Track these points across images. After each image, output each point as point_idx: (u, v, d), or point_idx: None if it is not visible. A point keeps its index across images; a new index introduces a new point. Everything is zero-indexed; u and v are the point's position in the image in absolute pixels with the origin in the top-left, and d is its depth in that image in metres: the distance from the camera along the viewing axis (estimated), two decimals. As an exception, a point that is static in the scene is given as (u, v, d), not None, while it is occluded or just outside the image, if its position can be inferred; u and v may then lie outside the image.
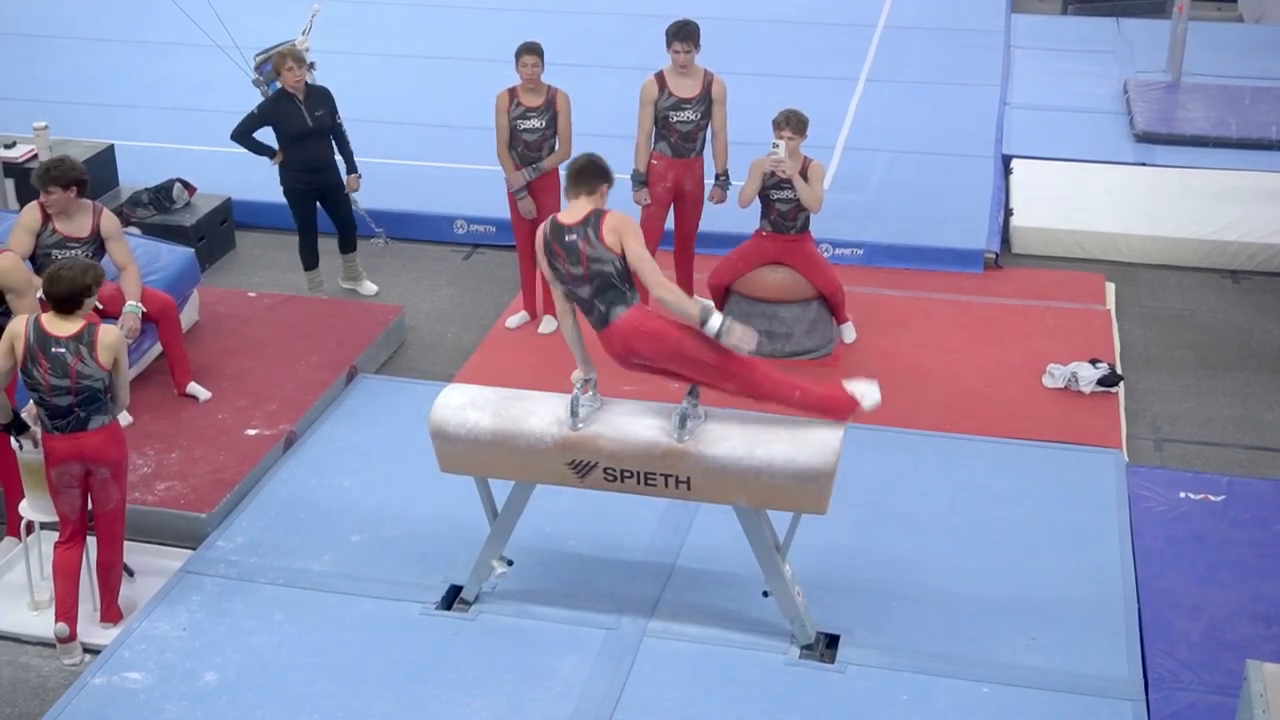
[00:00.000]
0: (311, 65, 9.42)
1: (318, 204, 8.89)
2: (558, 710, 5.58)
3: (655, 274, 5.51)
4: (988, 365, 8.30)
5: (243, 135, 8.69)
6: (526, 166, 8.35)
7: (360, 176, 8.94)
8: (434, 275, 9.70)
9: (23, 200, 9.80)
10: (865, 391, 5.60)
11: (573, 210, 5.61)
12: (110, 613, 6.19)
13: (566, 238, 5.53)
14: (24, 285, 6.52)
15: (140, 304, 7.41)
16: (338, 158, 8.88)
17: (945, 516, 6.80)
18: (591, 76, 12.15)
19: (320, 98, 8.70)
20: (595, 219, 5.51)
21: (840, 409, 5.61)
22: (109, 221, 7.45)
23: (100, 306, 7.44)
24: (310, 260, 9.06)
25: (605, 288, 5.50)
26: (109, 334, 5.83)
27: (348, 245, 9.18)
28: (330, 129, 8.72)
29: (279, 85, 8.68)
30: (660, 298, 5.50)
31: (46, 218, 7.32)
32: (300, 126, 8.59)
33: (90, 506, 6.02)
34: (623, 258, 5.47)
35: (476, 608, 6.13)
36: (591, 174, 5.63)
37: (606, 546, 6.53)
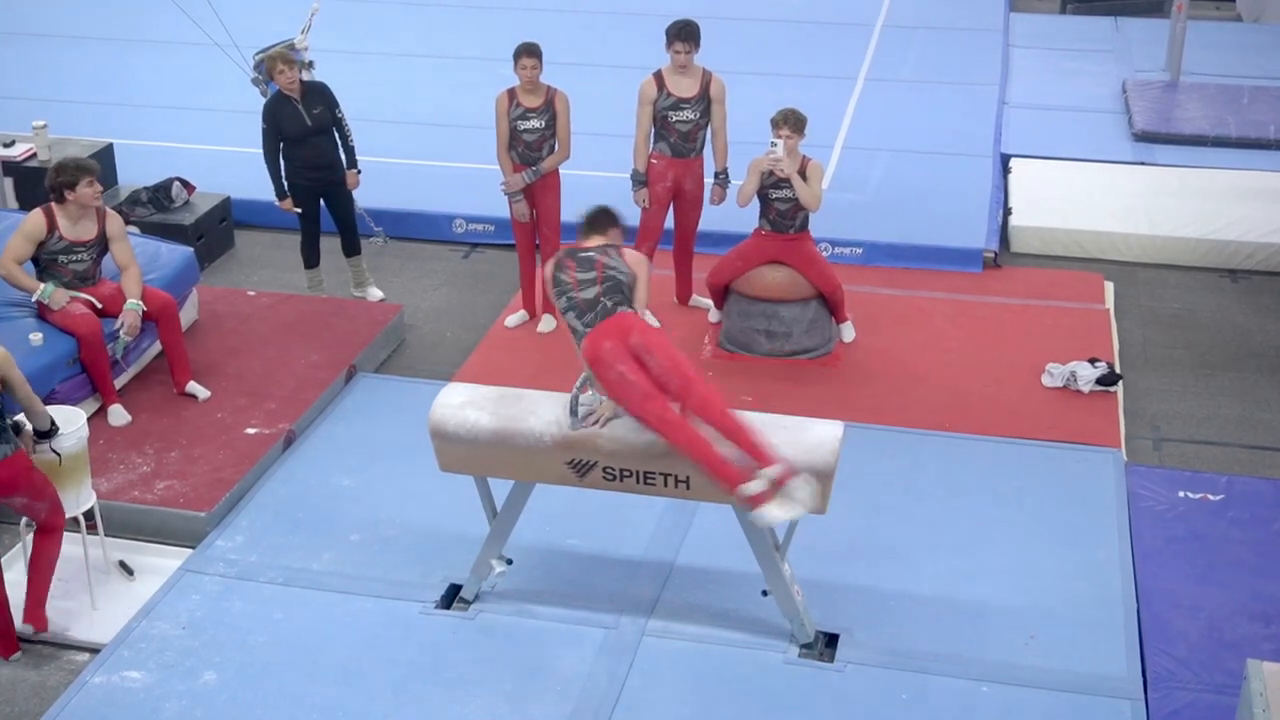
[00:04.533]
0: (310, 64, 9.41)
1: (321, 202, 8.86)
2: (557, 709, 5.58)
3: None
4: (987, 364, 8.30)
5: (269, 159, 8.61)
6: (526, 167, 8.35)
7: (359, 173, 8.89)
8: (433, 274, 9.70)
9: (22, 199, 9.81)
10: (791, 486, 5.26)
11: (588, 241, 5.89)
12: (33, 614, 5.99)
13: (581, 254, 5.78)
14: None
15: (140, 302, 7.43)
16: (342, 154, 8.85)
17: (944, 516, 6.80)
18: (591, 76, 12.14)
19: (318, 95, 8.63)
20: (614, 247, 5.85)
21: (729, 479, 5.35)
22: (114, 223, 7.48)
23: (100, 306, 7.48)
24: (311, 259, 9.01)
25: (614, 290, 5.67)
26: None
27: (351, 248, 9.10)
28: (331, 125, 8.68)
29: (277, 86, 8.66)
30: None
31: (51, 226, 7.31)
32: (299, 127, 8.55)
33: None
34: (633, 278, 5.74)
35: (476, 607, 6.13)
36: (605, 220, 5.93)
37: (606, 546, 6.53)
